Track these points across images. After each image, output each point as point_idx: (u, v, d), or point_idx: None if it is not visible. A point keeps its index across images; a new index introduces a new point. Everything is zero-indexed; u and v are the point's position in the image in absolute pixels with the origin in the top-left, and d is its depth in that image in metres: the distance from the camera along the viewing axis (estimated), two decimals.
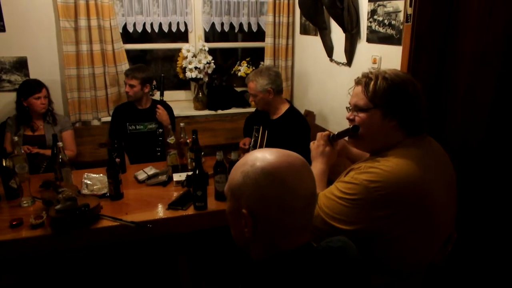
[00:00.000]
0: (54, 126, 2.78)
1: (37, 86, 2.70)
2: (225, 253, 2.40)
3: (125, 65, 3.11)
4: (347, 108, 1.36)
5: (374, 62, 2.29)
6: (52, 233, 1.70)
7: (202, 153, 2.26)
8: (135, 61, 3.34)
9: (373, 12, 2.28)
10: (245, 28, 3.47)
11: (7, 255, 1.71)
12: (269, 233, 0.86)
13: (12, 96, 2.82)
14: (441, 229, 1.26)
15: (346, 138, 1.40)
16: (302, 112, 3.05)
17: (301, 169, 0.88)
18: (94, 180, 2.17)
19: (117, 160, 2.13)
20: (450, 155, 1.34)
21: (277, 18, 3.32)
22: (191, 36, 3.41)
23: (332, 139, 1.49)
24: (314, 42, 3.04)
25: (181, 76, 3.37)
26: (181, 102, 3.58)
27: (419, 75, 1.94)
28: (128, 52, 3.22)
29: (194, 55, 3.30)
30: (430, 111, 1.75)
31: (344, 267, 0.91)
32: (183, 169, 2.35)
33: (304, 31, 3.25)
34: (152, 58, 3.66)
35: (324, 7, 2.60)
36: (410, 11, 1.94)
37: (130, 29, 3.21)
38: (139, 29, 3.22)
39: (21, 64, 2.95)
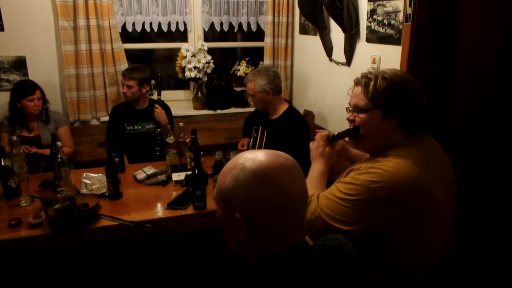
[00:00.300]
0: (48, 124, 2.77)
1: (30, 88, 2.67)
2: (224, 253, 2.39)
3: (124, 65, 3.11)
4: (347, 109, 1.36)
5: (374, 62, 2.29)
6: (51, 233, 1.70)
7: (201, 153, 2.25)
8: (134, 60, 3.33)
9: (372, 12, 2.28)
10: (245, 27, 3.47)
11: (6, 255, 1.71)
12: (264, 235, 0.86)
13: None
14: (441, 229, 1.27)
15: (346, 139, 1.40)
16: (302, 112, 3.05)
17: (292, 168, 0.88)
18: (93, 180, 2.17)
19: (116, 159, 2.13)
20: (450, 155, 1.34)
21: (276, 18, 3.32)
22: (190, 35, 3.41)
23: (331, 139, 1.48)
24: (314, 42, 3.04)
25: (180, 75, 3.37)
26: (180, 102, 3.58)
27: (418, 74, 1.94)
28: (127, 51, 3.21)
29: (193, 54, 3.30)
30: (430, 111, 1.75)
31: (339, 265, 0.91)
32: (182, 168, 2.35)
33: (304, 31, 3.25)
34: (151, 58, 3.65)
35: (323, 7, 2.60)
36: (409, 11, 1.94)
37: (129, 29, 3.21)
38: (138, 28, 3.21)
39: (19, 64, 2.94)
